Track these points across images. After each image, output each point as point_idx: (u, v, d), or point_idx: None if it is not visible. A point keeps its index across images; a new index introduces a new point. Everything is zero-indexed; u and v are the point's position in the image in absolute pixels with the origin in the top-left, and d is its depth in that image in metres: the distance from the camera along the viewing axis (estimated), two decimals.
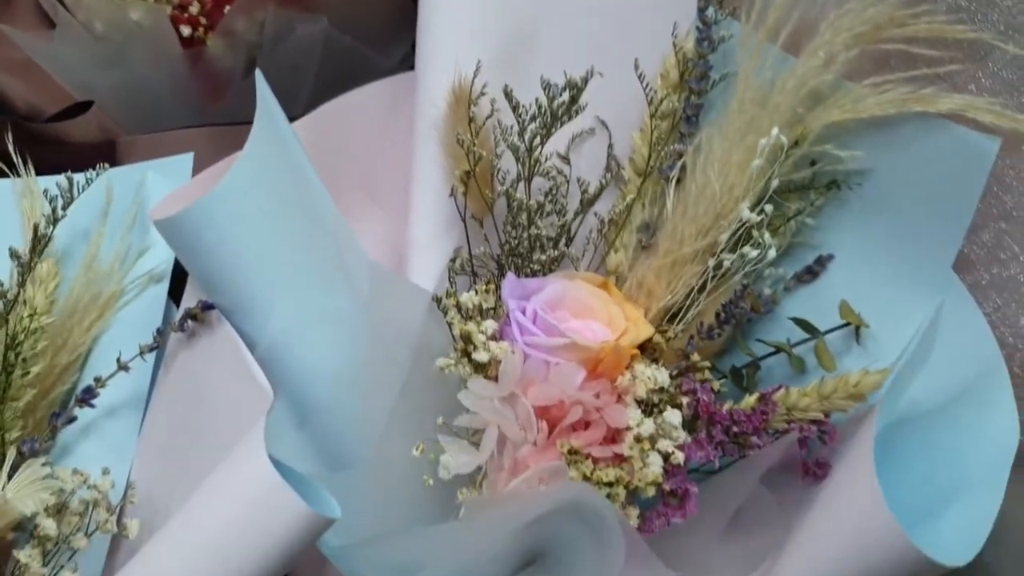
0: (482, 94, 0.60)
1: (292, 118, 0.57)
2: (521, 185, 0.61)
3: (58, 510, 0.50)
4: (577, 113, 0.58)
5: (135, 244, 0.61)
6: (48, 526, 0.49)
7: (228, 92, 0.73)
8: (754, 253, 0.58)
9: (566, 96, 0.57)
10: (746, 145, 0.58)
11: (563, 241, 0.63)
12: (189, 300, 0.55)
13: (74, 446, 0.57)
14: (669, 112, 0.62)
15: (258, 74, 0.52)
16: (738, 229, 0.58)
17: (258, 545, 0.45)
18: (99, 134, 0.68)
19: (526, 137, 0.58)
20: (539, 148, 0.58)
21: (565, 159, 0.63)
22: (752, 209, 0.57)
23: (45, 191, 0.59)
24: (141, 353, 0.56)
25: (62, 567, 0.50)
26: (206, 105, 0.73)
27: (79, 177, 0.59)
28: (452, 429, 0.55)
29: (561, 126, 0.58)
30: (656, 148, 0.62)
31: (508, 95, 0.58)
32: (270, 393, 0.49)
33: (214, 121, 0.71)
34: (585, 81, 0.56)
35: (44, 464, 0.52)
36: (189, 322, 0.54)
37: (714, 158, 0.59)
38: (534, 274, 0.62)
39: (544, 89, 0.57)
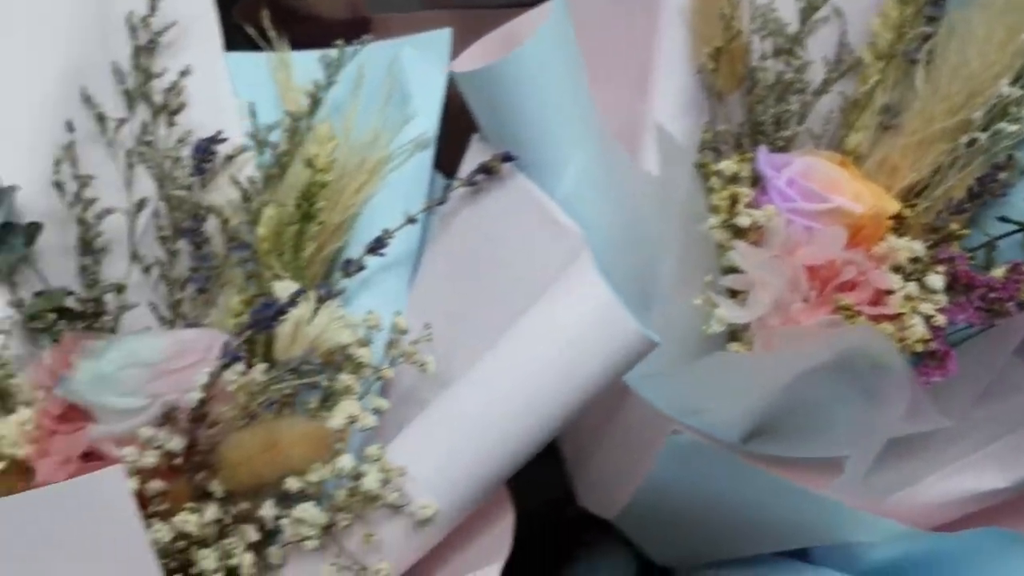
0: None
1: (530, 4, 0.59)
2: (768, 62, 0.64)
3: (361, 346, 0.54)
4: None
5: (393, 116, 0.64)
6: (364, 354, 0.52)
7: None
8: (1012, 128, 0.59)
9: None
10: (1006, 24, 0.60)
11: (799, 120, 0.65)
12: (475, 158, 0.58)
13: (352, 298, 0.60)
14: None
15: None
16: (994, 106, 0.60)
17: (590, 366, 0.48)
18: (348, 12, 0.70)
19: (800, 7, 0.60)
20: (813, 16, 0.61)
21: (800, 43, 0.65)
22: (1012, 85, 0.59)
23: (323, 55, 0.61)
24: (429, 207, 0.58)
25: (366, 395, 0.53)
26: None
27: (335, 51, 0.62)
28: (716, 288, 0.58)
29: None
30: (902, 32, 0.64)
31: None
32: (577, 228, 0.51)
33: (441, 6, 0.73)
34: None
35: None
36: (480, 176, 0.56)
37: (973, 38, 0.60)
38: (775, 151, 0.64)
39: None
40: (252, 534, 0.50)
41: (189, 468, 0.50)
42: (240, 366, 0.50)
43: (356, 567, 0.48)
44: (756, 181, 0.61)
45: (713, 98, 0.64)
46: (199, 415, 0.49)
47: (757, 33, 0.63)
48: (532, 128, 0.54)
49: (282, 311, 0.50)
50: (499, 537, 0.53)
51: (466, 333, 0.55)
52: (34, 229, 0.57)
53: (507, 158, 0.55)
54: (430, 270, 0.59)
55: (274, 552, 0.51)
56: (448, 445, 0.50)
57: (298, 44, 0.66)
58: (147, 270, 0.60)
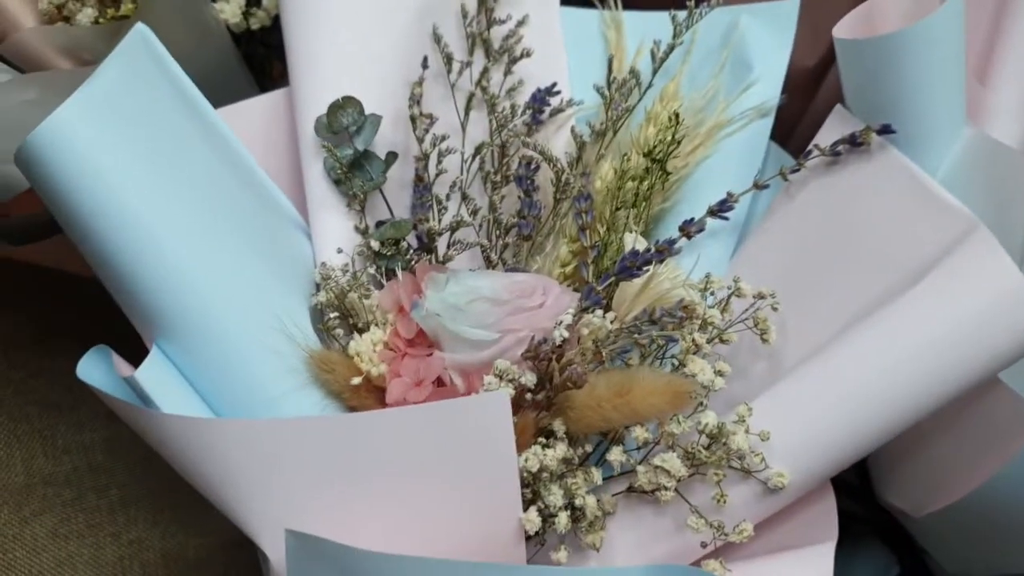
0: None
1: None
2: None
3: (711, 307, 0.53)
4: None
5: (728, 81, 0.63)
6: (713, 315, 0.52)
7: None
8: None
9: None
10: None
11: None
12: (835, 128, 0.56)
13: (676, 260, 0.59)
14: None
15: None
16: None
17: (990, 349, 0.46)
18: None
19: None
20: None
21: None
22: None
23: (673, 15, 0.61)
24: (782, 174, 0.57)
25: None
26: None
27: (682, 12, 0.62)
28: None
29: None
30: None
31: None
32: (967, 209, 0.50)
33: None
34: None
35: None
36: (842, 147, 0.55)
37: None
38: None
39: None
40: (597, 476, 0.50)
41: (533, 405, 0.51)
42: (599, 311, 0.50)
43: (716, 523, 0.48)
44: None
45: None
46: (557, 354, 0.49)
47: None
48: (921, 103, 0.52)
49: (648, 262, 0.50)
50: (825, 516, 0.52)
51: (802, 306, 0.54)
52: (391, 159, 0.59)
53: (886, 130, 0.53)
54: (766, 239, 0.58)
55: (608, 500, 0.51)
56: (814, 416, 0.49)
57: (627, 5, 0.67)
58: (474, 213, 0.61)
